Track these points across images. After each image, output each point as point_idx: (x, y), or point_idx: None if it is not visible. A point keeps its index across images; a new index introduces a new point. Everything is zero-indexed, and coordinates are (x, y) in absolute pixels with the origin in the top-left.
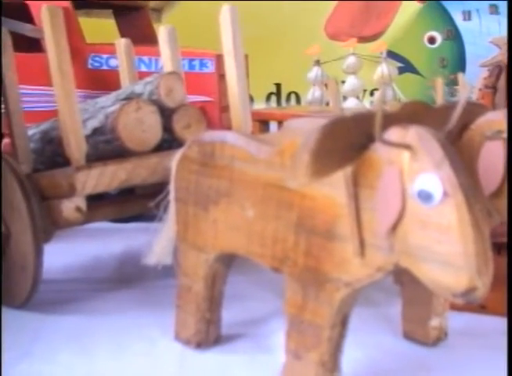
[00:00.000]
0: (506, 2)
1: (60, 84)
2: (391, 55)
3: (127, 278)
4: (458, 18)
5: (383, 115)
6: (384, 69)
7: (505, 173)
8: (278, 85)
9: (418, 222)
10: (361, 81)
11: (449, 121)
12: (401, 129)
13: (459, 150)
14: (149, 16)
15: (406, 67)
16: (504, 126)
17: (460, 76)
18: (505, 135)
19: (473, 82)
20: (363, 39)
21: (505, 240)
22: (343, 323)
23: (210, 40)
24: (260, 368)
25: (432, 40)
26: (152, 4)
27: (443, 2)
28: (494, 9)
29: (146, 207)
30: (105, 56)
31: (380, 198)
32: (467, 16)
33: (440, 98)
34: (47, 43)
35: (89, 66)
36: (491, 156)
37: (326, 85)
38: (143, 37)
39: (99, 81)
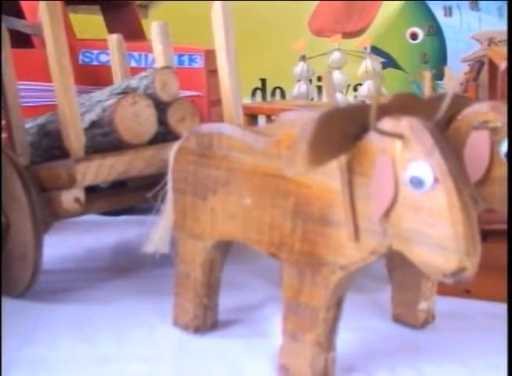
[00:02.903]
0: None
1: (59, 78)
2: (375, 50)
3: (122, 268)
4: (439, 14)
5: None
6: (368, 64)
7: (490, 162)
8: (263, 80)
9: (410, 207)
10: (345, 76)
11: (438, 112)
12: (393, 120)
13: (446, 139)
14: (136, 12)
15: (389, 63)
16: (490, 116)
17: (447, 69)
18: (491, 125)
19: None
20: (346, 35)
21: (489, 227)
22: (338, 305)
23: (196, 36)
24: (257, 351)
25: (414, 36)
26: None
27: None
28: (474, 5)
29: (139, 200)
30: (95, 51)
31: (374, 185)
32: (448, 12)
33: (428, 90)
34: (46, 38)
35: (80, 62)
36: (477, 145)
37: (310, 80)
38: (131, 33)
39: (90, 76)
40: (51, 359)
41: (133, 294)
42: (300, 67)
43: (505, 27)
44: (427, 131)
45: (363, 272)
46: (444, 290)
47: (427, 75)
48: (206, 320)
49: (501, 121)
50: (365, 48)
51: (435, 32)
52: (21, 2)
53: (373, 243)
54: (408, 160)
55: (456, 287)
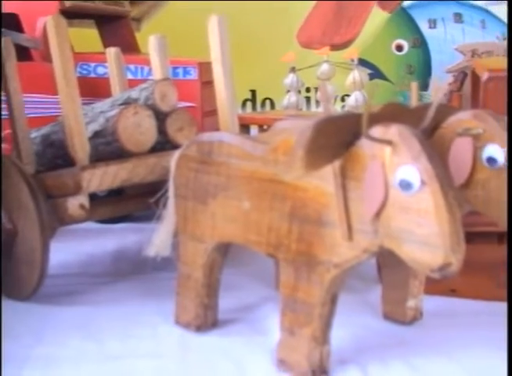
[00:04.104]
0: (469, 11)
1: (65, 90)
2: (361, 62)
3: (123, 272)
4: (424, 26)
5: (367, 116)
6: (356, 75)
7: (473, 166)
8: (253, 92)
9: (399, 208)
10: (333, 87)
11: (424, 120)
12: (383, 127)
13: (432, 145)
14: (130, 26)
15: (376, 74)
16: (472, 124)
17: (434, 80)
18: (473, 132)
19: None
20: (334, 47)
21: (474, 229)
22: (332, 301)
23: (186, 48)
24: (256, 347)
25: (400, 47)
26: (132, 13)
27: (410, 11)
28: (458, 18)
29: (138, 207)
30: (93, 64)
31: (366, 188)
32: (433, 24)
33: (415, 100)
34: (52, 52)
35: (77, 74)
36: (460, 151)
37: (300, 91)
38: (126, 46)
39: (88, 88)
40: (60, 356)
41: (135, 296)
42: (290, 78)
43: (487, 39)
44: (415, 137)
45: (355, 274)
46: (431, 289)
47: (414, 86)
48: (207, 319)
49: (482, 129)
50: (353, 60)
51: (420, 44)
52: (20, 17)
53: (365, 242)
54: (397, 164)
55: (443, 287)
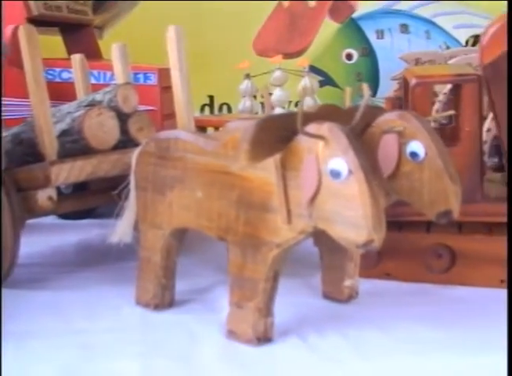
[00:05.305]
0: (415, 22)
1: (36, 92)
2: (313, 69)
3: (86, 262)
4: (372, 37)
5: (304, 115)
6: (307, 82)
7: (398, 160)
8: (211, 97)
9: (330, 194)
10: (287, 92)
11: (354, 119)
12: (317, 125)
13: (364, 142)
14: (94, 33)
15: (326, 81)
16: (397, 123)
17: (364, 86)
18: (397, 129)
19: (385, 94)
20: (288, 55)
21: (404, 218)
22: (275, 278)
23: (149, 55)
24: (209, 322)
25: (349, 56)
26: (95, 22)
27: (359, 22)
28: (404, 29)
29: (101, 201)
30: (58, 69)
31: (302, 177)
32: (380, 34)
33: (348, 102)
34: (24, 58)
35: None
36: (387, 146)
37: (255, 96)
38: (89, 53)
39: (53, 92)
40: (30, 331)
41: (98, 283)
42: (244, 85)
43: (431, 48)
44: (343, 133)
45: (301, 261)
46: (368, 273)
47: (348, 90)
48: (164, 299)
49: (406, 127)
50: (304, 68)
51: (369, 53)
52: None
53: (302, 224)
54: (328, 156)
55: (379, 271)
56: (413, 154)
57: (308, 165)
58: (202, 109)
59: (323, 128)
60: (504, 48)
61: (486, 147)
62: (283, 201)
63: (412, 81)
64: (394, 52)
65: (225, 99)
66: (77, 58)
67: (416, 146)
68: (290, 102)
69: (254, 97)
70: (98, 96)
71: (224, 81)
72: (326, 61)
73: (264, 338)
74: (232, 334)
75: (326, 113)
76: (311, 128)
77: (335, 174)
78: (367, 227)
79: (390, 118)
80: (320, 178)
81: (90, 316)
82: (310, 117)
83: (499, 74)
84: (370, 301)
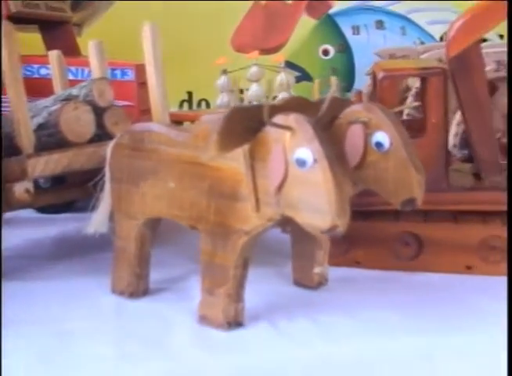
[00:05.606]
0: (390, 19)
1: (13, 87)
2: (290, 65)
3: (63, 254)
4: (348, 33)
5: (271, 107)
6: (283, 77)
7: (364, 150)
8: (190, 93)
9: (297, 182)
10: (263, 88)
11: (320, 111)
12: (284, 116)
13: (331, 133)
14: (72, 31)
15: (303, 76)
16: (362, 114)
17: (332, 79)
18: (362, 119)
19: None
20: (266, 51)
21: (372, 208)
22: (244, 264)
23: (126, 51)
24: (181, 309)
25: (326, 52)
26: (73, 19)
27: (335, 18)
28: (380, 25)
29: (78, 194)
30: (36, 65)
31: (270, 167)
32: (356, 30)
33: (316, 95)
34: (2, 54)
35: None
36: (353, 136)
37: (232, 91)
38: (67, 49)
39: (31, 88)
40: (8, 320)
41: (75, 274)
42: (222, 80)
43: (407, 44)
44: (309, 124)
45: (274, 251)
46: (338, 261)
47: (317, 84)
48: (139, 287)
49: (371, 118)
50: (280, 63)
51: (345, 49)
52: None
53: (269, 212)
54: (294, 146)
55: (349, 259)
56: (379, 144)
57: (275, 155)
58: (181, 105)
59: (290, 118)
60: (469, 41)
61: (457, 139)
62: (252, 190)
63: (380, 75)
64: (370, 48)
65: (203, 95)
66: (54, 54)
67: (381, 137)
68: (267, 97)
69: (232, 92)
70: (74, 91)
71: (202, 78)
72: (303, 57)
73: (234, 323)
74: (203, 319)
75: (294, 105)
76: (279, 119)
77: (301, 163)
78: (331, 213)
79: (356, 109)
80: (287, 167)
81: (65, 305)
82: (279, 109)
83: (464, 67)
84: (340, 288)
